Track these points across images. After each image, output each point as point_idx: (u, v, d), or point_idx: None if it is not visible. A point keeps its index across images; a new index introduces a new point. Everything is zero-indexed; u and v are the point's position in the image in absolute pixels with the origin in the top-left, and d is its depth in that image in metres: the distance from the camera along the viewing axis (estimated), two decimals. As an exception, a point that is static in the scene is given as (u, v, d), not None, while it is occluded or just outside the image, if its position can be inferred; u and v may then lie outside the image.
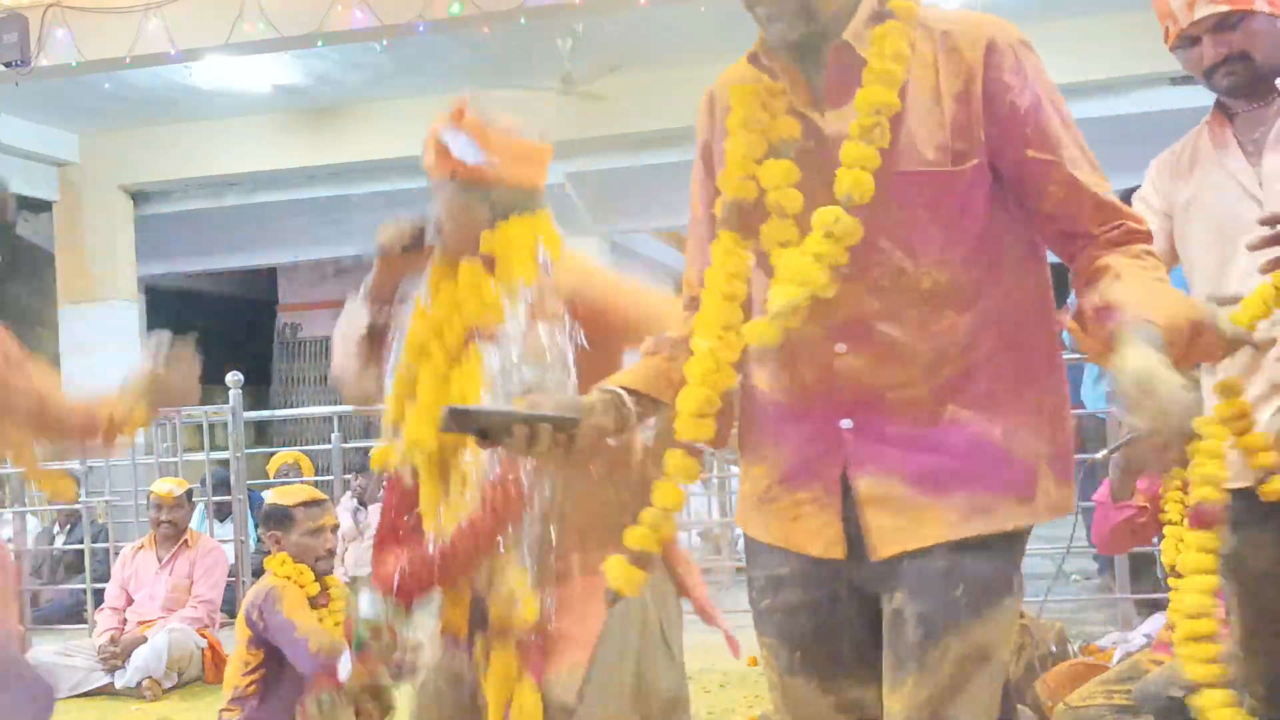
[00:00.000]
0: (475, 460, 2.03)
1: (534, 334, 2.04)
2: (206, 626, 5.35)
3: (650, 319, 2.01)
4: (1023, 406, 1.53)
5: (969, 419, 1.50)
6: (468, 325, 2.09)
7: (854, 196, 1.46)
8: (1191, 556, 1.88)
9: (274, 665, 3.53)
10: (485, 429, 1.50)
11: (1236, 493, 2.16)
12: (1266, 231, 1.92)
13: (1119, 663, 3.43)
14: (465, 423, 1.50)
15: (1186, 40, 2.17)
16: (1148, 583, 5.01)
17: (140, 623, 5.33)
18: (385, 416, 2.19)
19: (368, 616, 2.08)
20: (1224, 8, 2.11)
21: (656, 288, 2.17)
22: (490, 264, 2.13)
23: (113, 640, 5.21)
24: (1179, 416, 1.37)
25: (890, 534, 1.51)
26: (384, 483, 2.22)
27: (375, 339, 2.30)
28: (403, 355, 2.19)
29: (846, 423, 1.54)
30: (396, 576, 2.04)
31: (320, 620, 3.59)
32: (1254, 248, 1.91)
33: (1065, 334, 5.17)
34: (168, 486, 5.50)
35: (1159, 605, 4.15)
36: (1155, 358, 1.37)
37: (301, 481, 6.47)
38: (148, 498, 5.60)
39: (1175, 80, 6.81)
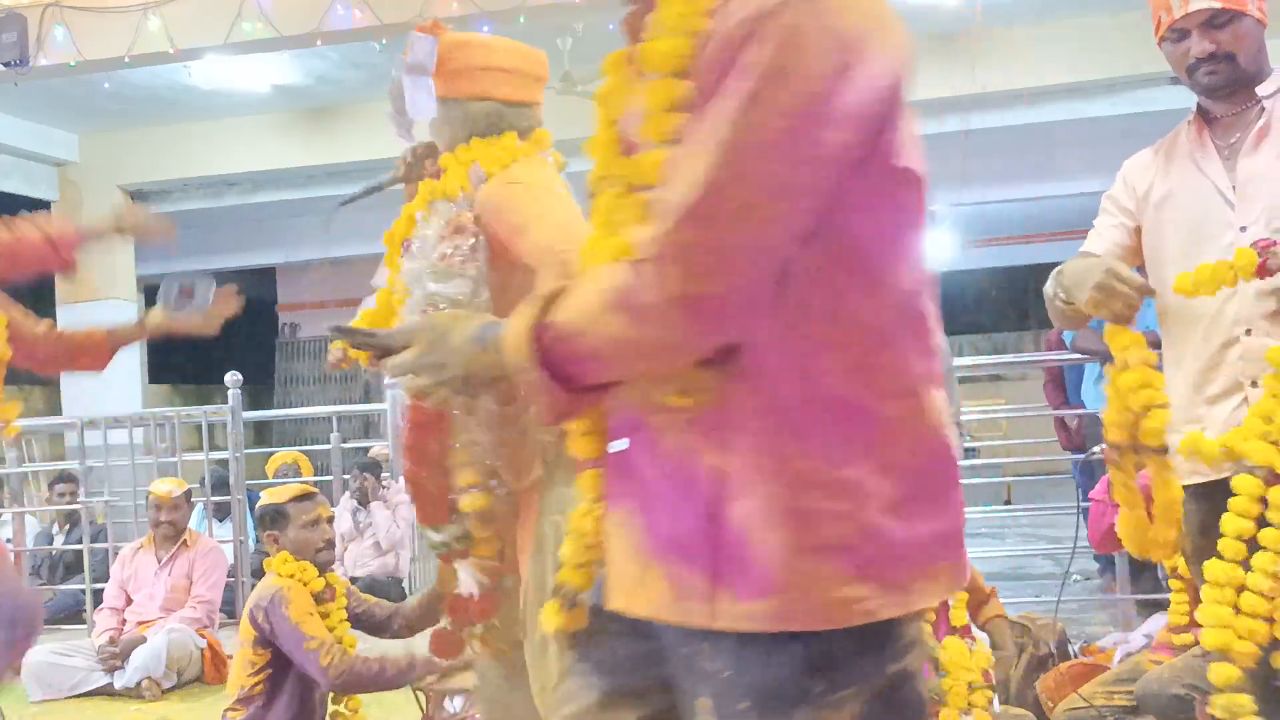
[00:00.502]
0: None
1: (441, 246, 2.15)
2: (206, 627, 5.34)
3: (545, 253, 2.04)
4: (792, 471, 1.13)
5: (717, 471, 1.15)
6: (404, 237, 2.27)
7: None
8: None
9: (280, 665, 3.51)
10: (372, 348, 1.40)
11: (1201, 494, 2.17)
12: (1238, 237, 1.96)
13: (1119, 663, 3.42)
14: (347, 339, 1.43)
15: (1176, 33, 2.19)
16: (1148, 583, 5.00)
17: (139, 623, 5.33)
18: None
19: (434, 540, 2.27)
20: (1218, 4, 2.13)
21: (570, 221, 2.11)
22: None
23: (112, 641, 5.20)
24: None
25: (616, 584, 1.24)
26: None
27: None
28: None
29: (618, 444, 1.27)
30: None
31: (327, 616, 3.58)
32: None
33: (1067, 335, 5.14)
34: (166, 487, 5.49)
35: (1159, 606, 4.14)
36: None
37: (299, 481, 6.46)
38: (146, 498, 5.60)
39: (1175, 80, 6.83)
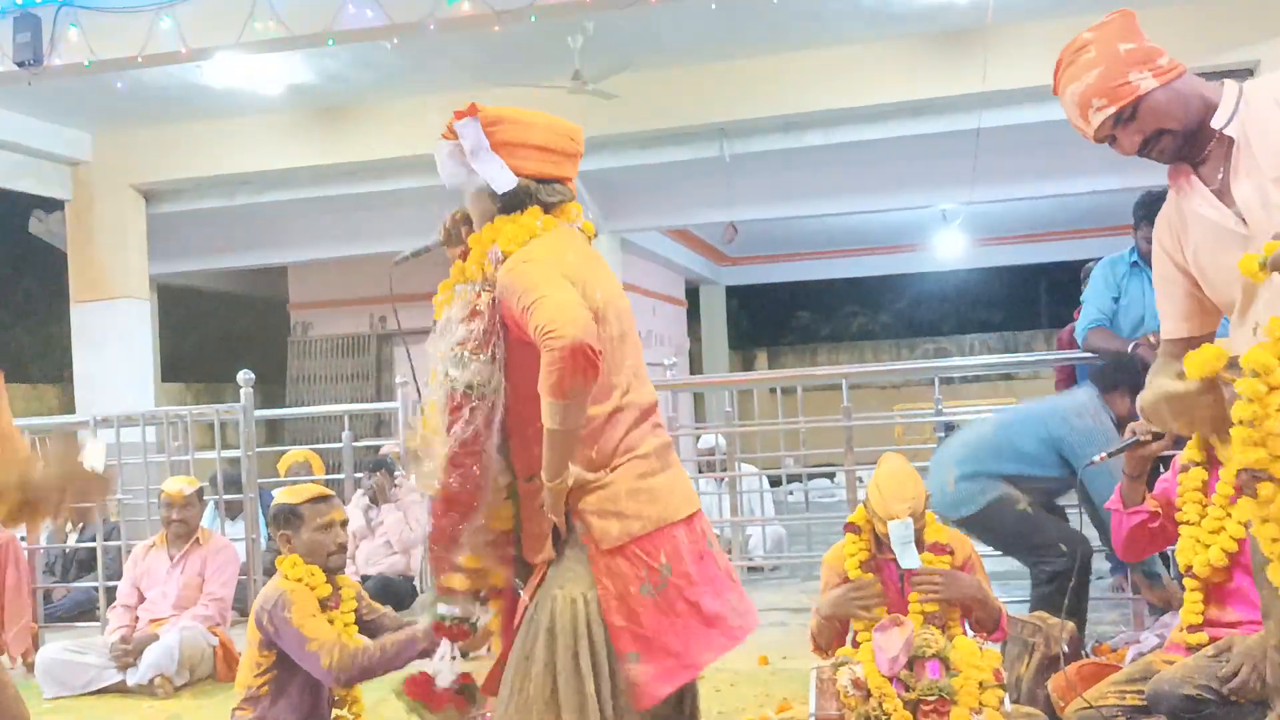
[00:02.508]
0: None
1: (456, 331, 2.21)
2: (218, 624, 5.36)
3: (542, 334, 2.09)
4: None
5: None
6: (437, 317, 2.31)
7: None
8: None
9: (286, 666, 3.52)
10: None
11: None
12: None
13: (1131, 663, 3.41)
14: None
15: (1106, 139, 2.18)
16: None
17: (152, 620, 5.34)
18: None
19: (450, 613, 2.29)
20: (1111, 109, 2.12)
21: (572, 301, 2.16)
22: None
23: (124, 639, 5.22)
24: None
25: None
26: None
27: None
28: None
29: None
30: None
31: (331, 622, 3.58)
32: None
33: (1079, 333, 5.08)
34: (178, 485, 5.50)
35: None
36: None
37: (311, 480, 6.47)
38: (159, 496, 5.62)
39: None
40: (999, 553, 4.50)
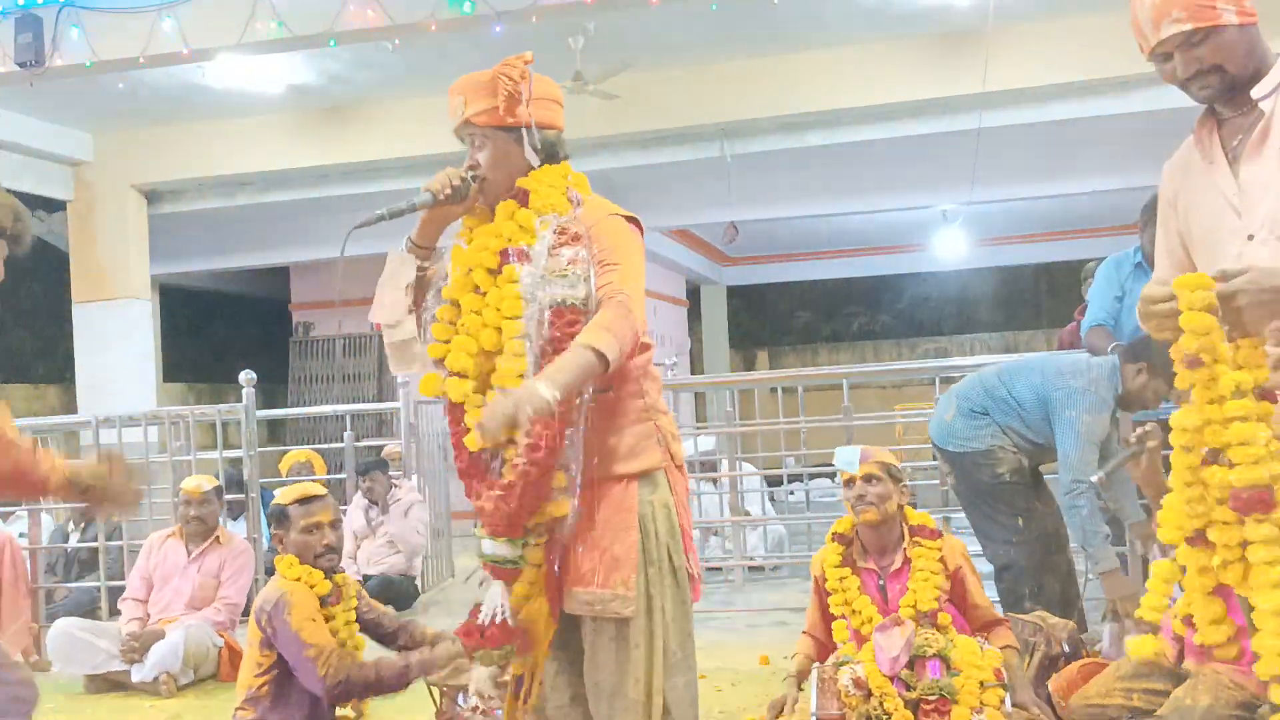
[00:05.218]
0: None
1: (559, 254, 2.32)
2: (229, 629, 5.37)
3: (616, 291, 2.28)
4: None
5: None
6: (503, 246, 2.36)
7: None
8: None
9: (287, 667, 3.52)
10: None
11: None
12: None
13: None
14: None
15: (1159, 56, 2.17)
16: (1161, 581, 4.97)
17: (162, 619, 5.34)
18: (431, 350, 2.45)
19: (498, 554, 2.34)
20: (1187, 26, 2.10)
21: (642, 280, 2.35)
22: (524, 199, 2.40)
23: (133, 635, 5.22)
24: None
25: None
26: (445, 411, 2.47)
27: (420, 289, 2.50)
28: (445, 296, 2.45)
29: None
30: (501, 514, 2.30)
31: (333, 619, 3.59)
32: None
33: (1083, 331, 5.05)
34: (196, 482, 5.55)
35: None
36: None
37: (312, 480, 6.47)
38: (175, 494, 5.64)
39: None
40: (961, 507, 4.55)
